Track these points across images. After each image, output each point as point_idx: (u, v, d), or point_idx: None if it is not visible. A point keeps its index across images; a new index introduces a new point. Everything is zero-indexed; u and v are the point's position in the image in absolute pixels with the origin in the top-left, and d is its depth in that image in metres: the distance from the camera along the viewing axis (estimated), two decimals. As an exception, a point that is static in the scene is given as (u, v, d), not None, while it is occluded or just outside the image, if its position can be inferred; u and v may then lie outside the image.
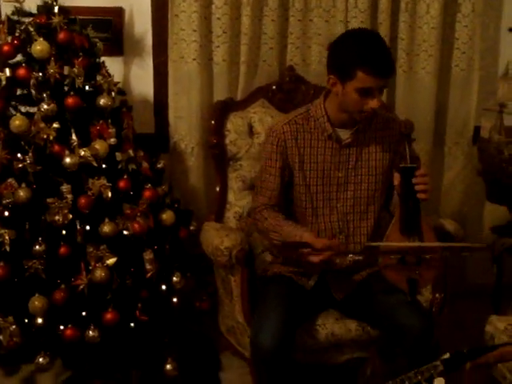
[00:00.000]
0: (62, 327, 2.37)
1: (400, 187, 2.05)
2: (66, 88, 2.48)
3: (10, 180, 2.38)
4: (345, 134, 2.27)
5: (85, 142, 2.45)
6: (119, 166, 2.53)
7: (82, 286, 2.37)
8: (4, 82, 2.45)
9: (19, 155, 2.39)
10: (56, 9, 2.47)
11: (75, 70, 2.46)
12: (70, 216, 2.37)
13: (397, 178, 2.05)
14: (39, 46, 2.41)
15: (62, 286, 2.37)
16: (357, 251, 2.32)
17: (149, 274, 2.49)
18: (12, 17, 2.50)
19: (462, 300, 3.16)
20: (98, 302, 2.41)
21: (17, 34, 2.47)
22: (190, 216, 2.82)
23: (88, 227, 2.41)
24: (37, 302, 2.34)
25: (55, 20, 2.45)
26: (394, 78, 3.04)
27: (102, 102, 2.50)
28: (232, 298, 2.49)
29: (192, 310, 2.75)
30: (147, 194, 2.55)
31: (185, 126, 3.04)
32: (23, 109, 2.50)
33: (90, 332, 2.37)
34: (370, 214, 2.34)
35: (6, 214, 2.38)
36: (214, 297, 2.81)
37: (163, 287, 2.60)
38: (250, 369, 2.49)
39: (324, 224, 2.32)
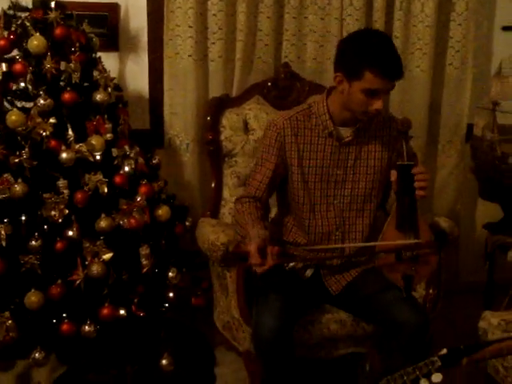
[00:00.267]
0: (58, 322, 2.37)
1: (397, 184, 2.06)
2: (62, 83, 2.48)
3: (6, 175, 2.37)
4: (346, 132, 2.27)
5: (81, 137, 2.45)
6: (115, 162, 2.53)
7: (78, 281, 2.37)
8: (0, 77, 2.45)
9: (15, 150, 2.38)
10: (53, 4, 2.46)
11: (72, 65, 2.46)
12: (67, 211, 2.37)
13: (394, 175, 2.06)
14: (36, 41, 2.40)
15: (59, 281, 2.36)
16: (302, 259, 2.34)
17: (145, 270, 2.49)
18: (8, 11, 2.49)
19: (454, 296, 3.19)
20: (94, 297, 2.41)
21: (13, 29, 2.47)
22: (186, 212, 2.83)
23: (84, 222, 2.41)
24: (33, 298, 2.34)
25: (52, 15, 2.45)
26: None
27: (98, 97, 2.51)
28: (228, 294, 2.50)
29: (187, 306, 2.76)
30: (143, 189, 2.56)
31: (180, 122, 3.05)
32: (19, 104, 2.49)
33: (87, 327, 2.38)
34: (367, 211, 2.35)
35: (2, 209, 2.37)
36: (208, 292, 2.82)
37: (159, 282, 2.60)
38: (244, 364, 2.51)
39: (321, 220, 2.32)
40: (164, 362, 2.59)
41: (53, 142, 2.40)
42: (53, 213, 2.35)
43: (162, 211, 2.64)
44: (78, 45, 2.51)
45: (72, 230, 2.39)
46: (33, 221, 2.39)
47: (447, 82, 3.30)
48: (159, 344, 2.61)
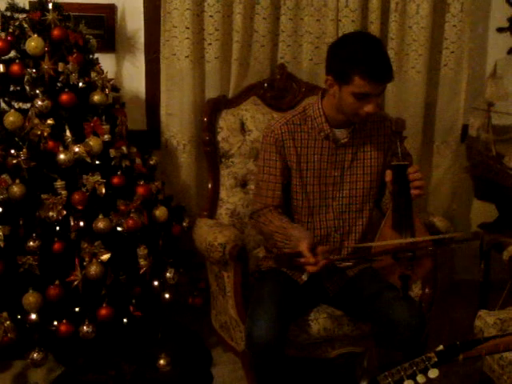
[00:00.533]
0: (56, 323, 2.38)
1: (392, 184, 2.07)
2: (59, 84, 2.48)
3: (3, 176, 2.37)
4: (342, 134, 2.29)
5: (79, 138, 2.45)
6: (113, 163, 2.53)
7: (76, 282, 2.37)
8: (-3, 78, 2.46)
9: (13, 151, 2.38)
10: (50, 5, 2.47)
11: (69, 66, 2.46)
12: (64, 212, 2.37)
13: (388, 175, 2.06)
14: (33, 43, 2.41)
15: (57, 282, 2.37)
16: (348, 254, 2.35)
17: (142, 270, 2.50)
18: (5, 13, 2.50)
19: (450, 296, 3.21)
20: (92, 297, 2.42)
21: (10, 30, 2.47)
22: (183, 212, 2.83)
23: (82, 223, 2.41)
24: (31, 298, 2.34)
25: (49, 16, 2.46)
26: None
27: (95, 98, 2.51)
28: (225, 294, 2.51)
29: (185, 306, 2.77)
30: (141, 190, 2.56)
31: (177, 123, 3.05)
32: (17, 105, 2.50)
33: (85, 327, 2.38)
34: (365, 212, 2.37)
35: (0, 209, 2.37)
36: (205, 293, 2.83)
37: (156, 283, 2.61)
38: (242, 363, 2.52)
39: (319, 223, 2.34)
40: (161, 362, 2.60)
41: (50, 143, 2.40)
42: (50, 213, 2.35)
43: (160, 212, 2.64)
44: (75, 46, 2.52)
45: (70, 231, 2.39)
46: (31, 222, 2.39)
47: (442, 82, 3.32)
48: (157, 344, 2.62)
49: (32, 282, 2.36)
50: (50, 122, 2.41)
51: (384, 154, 2.35)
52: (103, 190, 2.44)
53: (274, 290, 2.26)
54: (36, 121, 2.39)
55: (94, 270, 2.37)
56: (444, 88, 3.32)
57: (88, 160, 2.43)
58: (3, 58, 2.47)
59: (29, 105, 2.44)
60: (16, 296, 2.37)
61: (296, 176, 2.30)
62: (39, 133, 2.39)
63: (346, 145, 2.30)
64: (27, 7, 2.55)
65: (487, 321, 2.22)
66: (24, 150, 2.37)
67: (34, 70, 2.43)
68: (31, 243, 2.35)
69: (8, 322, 2.35)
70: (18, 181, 2.36)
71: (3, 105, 2.50)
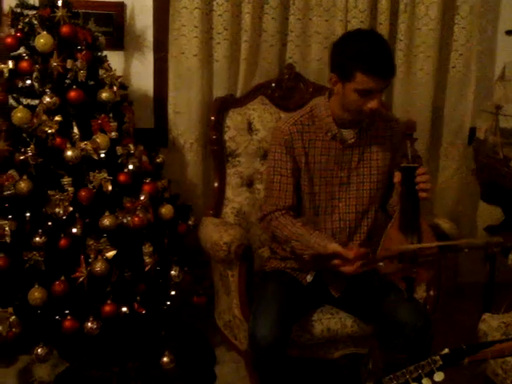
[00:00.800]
0: (61, 319, 2.38)
1: (400, 186, 2.07)
2: (68, 81, 2.48)
3: (11, 172, 2.39)
4: (349, 134, 2.29)
5: (86, 135, 2.46)
6: (119, 160, 2.54)
7: (81, 278, 2.38)
8: (6, 75, 2.46)
9: (21, 147, 2.40)
10: (59, 2, 2.47)
11: (78, 63, 2.46)
12: (71, 208, 2.38)
13: (397, 177, 2.06)
14: (42, 39, 2.42)
15: (62, 278, 2.38)
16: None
17: (147, 268, 2.51)
18: (15, 9, 2.51)
19: (454, 298, 3.21)
20: (97, 294, 2.42)
21: (20, 27, 2.48)
22: (189, 211, 2.84)
23: (88, 220, 2.43)
24: (36, 294, 2.35)
25: (59, 13, 2.46)
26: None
27: (103, 95, 2.51)
28: (229, 293, 2.51)
29: (189, 304, 2.78)
30: (147, 188, 2.57)
31: (184, 121, 3.06)
32: (25, 101, 2.49)
33: (89, 324, 2.39)
34: (371, 213, 2.37)
35: (7, 205, 2.39)
36: (209, 291, 2.83)
37: (161, 281, 2.62)
38: (245, 362, 2.52)
39: (324, 223, 2.34)
40: (165, 359, 2.60)
41: (58, 140, 2.41)
42: (57, 210, 2.36)
43: (166, 210, 2.65)
44: (84, 43, 2.52)
45: (76, 228, 2.40)
46: (37, 217, 2.40)
47: (450, 84, 3.32)
48: (160, 342, 2.62)
49: (37, 278, 2.37)
50: (57, 118, 2.41)
51: (391, 156, 2.35)
52: (110, 187, 2.45)
53: (277, 290, 2.26)
54: (44, 117, 2.40)
55: (99, 266, 2.38)
56: (452, 90, 3.32)
57: (95, 157, 2.44)
58: (12, 54, 2.48)
59: (37, 101, 2.44)
60: (21, 291, 2.38)
61: (303, 176, 2.30)
62: (47, 129, 2.40)
63: (353, 145, 2.30)
64: (37, 4, 2.55)
65: (491, 324, 2.21)
66: (31, 146, 2.38)
67: (42, 67, 2.43)
68: (37, 239, 2.36)
69: (13, 317, 2.36)
70: (25, 177, 2.37)
71: (12, 101, 2.50)
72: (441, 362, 1.33)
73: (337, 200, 2.33)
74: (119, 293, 2.46)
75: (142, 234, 2.52)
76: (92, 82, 2.54)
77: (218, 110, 2.90)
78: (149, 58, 3.06)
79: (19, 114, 2.40)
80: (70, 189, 2.39)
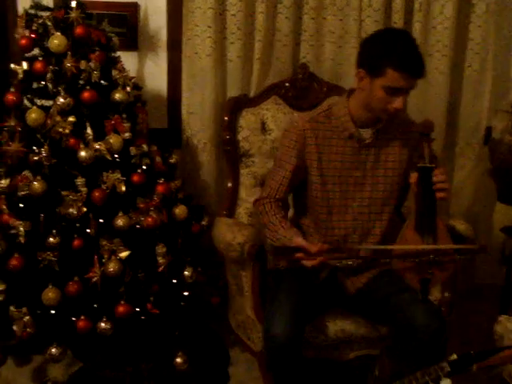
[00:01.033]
0: (74, 319, 2.39)
1: (417, 186, 2.05)
2: (81, 82, 2.48)
3: (25, 172, 2.41)
4: (366, 134, 2.27)
5: (99, 135, 2.46)
6: (133, 161, 2.54)
7: (95, 279, 2.39)
8: (21, 76, 2.49)
9: (35, 148, 2.41)
10: (73, 3, 2.48)
11: (91, 64, 2.47)
12: (85, 209, 2.39)
13: (414, 177, 2.05)
14: (56, 40, 2.42)
15: (76, 278, 2.39)
16: (352, 256, 2.27)
17: (161, 268, 2.51)
18: (30, 11, 2.52)
19: (470, 300, 3.18)
20: (110, 294, 2.43)
21: (34, 28, 2.49)
22: (202, 211, 2.84)
23: (102, 220, 2.43)
24: (50, 294, 2.36)
25: (72, 14, 2.46)
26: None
27: (117, 96, 2.52)
28: (243, 293, 2.51)
29: (202, 305, 2.77)
30: (160, 188, 2.57)
31: (198, 121, 3.06)
32: (39, 102, 2.50)
33: (103, 324, 2.40)
34: (385, 214, 2.35)
35: (21, 205, 2.40)
36: (223, 291, 2.83)
37: (174, 281, 2.62)
38: (258, 364, 2.52)
39: (338, 223, 2.33)
40: (178, 360, 2.60)
41: (72, 141, 2.42)
42: (71, 210, 2.37)
43: (179, 210, 2.65)
44: (97, 44, 2.53)
45: (89, 228, 2.41)
46: (51, 218, 2.41)
47: (466, 84, 3.29)
48: (174, 342, 2.62)
49: (51, 278, 2.38)
50: (71, 119, 2.42)
51: (406, 158, 2.33)
52: (123, 188, 2.45)
53: (291, 289, 2.25)
54: (58, 118, 2.40)
55: (112, 267, 2.38)
56: (468, 89, 3.28)
57: (108, 157, 2.44)
58: (27, 55, 2.50)
59: (51, 102, 2.45)
60: (36, 291, 2.39)
61: (316, 174, 2.29)
62: (61, 130, 2.40)
63: (370, 145, 2.29)
64: (51, 6, 2.56)
65: (508, 326, 2.19)
66: (45, 146, 2.39)
67: (56, 68, 2.44)
68: (51, 239, 2.37)
69: (27, 317, 2.37)
70: (39, 177, 2.38)
71: (26, 102, 2.51)
72: (448, 369, 1.31)
73: (350, 200, 2.32)
74: (133, 293, 2.47)
75: (155, 234, 2.52)
76: (105, 83, 2.54)
77: (231, 110, 2.90)
78: (162, 58, 3.06)
79: (33, 115, 2.41)
80: (83, 189, 2.40)
